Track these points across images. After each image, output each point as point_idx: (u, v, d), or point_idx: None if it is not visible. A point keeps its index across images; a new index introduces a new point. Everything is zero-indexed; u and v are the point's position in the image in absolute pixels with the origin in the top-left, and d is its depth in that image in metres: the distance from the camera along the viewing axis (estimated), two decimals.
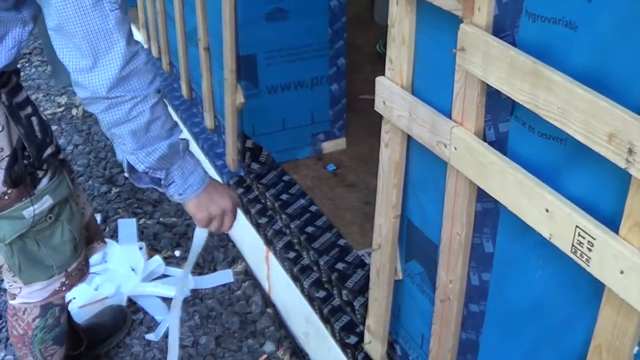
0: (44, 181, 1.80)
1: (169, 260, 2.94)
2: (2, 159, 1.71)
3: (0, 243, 1.82)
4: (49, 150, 1.79)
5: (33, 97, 4.07)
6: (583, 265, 1.16)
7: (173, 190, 1.74)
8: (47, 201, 1.82)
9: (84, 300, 2.64)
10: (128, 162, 1.71)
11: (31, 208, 1.79)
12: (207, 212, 1.80)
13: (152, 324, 2.65)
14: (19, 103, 1.73)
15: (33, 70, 4.49)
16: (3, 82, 1.67)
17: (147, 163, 1.68)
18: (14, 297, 2.01)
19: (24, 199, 1.77)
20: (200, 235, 1.92)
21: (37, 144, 1.75)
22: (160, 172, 1.71)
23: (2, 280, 2.63)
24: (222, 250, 3.01)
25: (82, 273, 2.05)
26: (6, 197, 1.75)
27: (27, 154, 1.73)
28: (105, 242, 2.22)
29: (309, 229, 2.50)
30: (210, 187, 1.79)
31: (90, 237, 2.12)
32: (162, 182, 1.72)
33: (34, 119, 1.75)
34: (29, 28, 1.64)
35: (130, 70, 1.55)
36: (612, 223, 1.13)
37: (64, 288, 2.01)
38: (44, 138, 1.77)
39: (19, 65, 1.77)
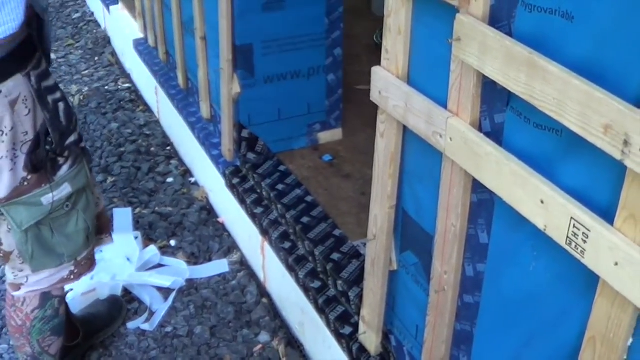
0: (64, 168, 1.80)
1: (164, 250, 2.94)
2: (25, 143, 1.70)
3: (17, 229, 1.81)
4: (71, 138, 1.79)
5: None
6: (578, 256, 1.16)
7: None
8: (65, 189, 1.81)
9: (79, 290, 2.64)
10: None
11: (50, 195, 1.78)
12: None
13: (147, 314, 2.65)
14: (49, 87, 1.72)
15: None
16: (34, 64, 1.66)
17: None
18: (18, 287, 1.99)
19: (43, 185, 1.77)
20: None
21: (61, 130, 1.75)
22: None
23: None
24: (217, 240, 3.00)
25: (90, 262, 2.05)
26: (25, 183, 1.75)
27: (49, 139, 1.73)
28: (112, 238, 2.21)
29: (305, 219, 2.50)
30: None
31: (100, 227, 2.11)
32: None
33: (60, 105, 1.75)
34: None
35: None
36: (607, 215, 1.13)
37: (72, 277, 2.01)
38: (67, 125, 1.77)
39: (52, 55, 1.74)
